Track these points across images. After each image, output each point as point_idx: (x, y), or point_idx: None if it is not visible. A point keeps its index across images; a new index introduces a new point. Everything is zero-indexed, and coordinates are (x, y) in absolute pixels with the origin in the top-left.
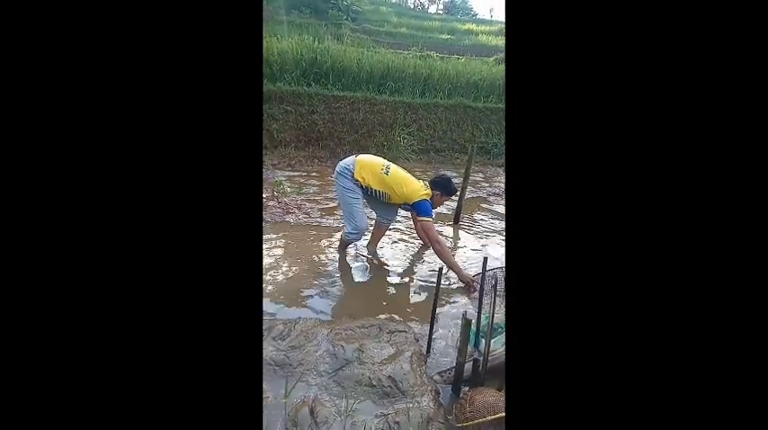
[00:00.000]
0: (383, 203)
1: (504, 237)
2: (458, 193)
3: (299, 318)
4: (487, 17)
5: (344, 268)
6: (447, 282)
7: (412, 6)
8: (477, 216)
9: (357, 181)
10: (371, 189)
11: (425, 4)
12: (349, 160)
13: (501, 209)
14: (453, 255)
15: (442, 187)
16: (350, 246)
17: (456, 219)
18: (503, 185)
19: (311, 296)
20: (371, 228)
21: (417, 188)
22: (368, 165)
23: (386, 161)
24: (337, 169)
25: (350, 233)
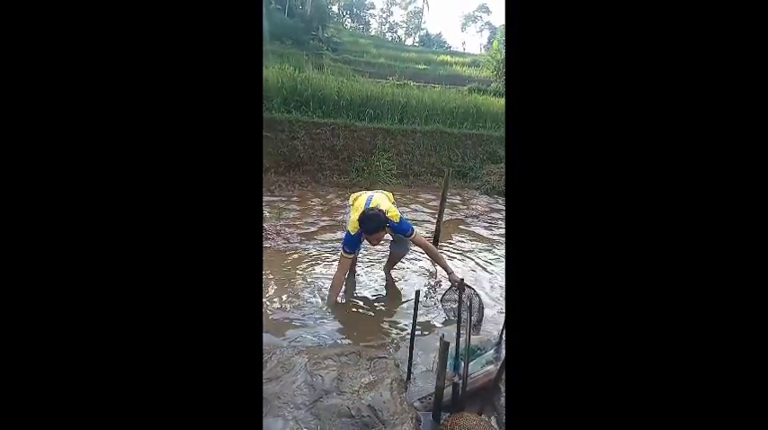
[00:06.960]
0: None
1: (480, 258)
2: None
3: (277, 347)
4: (460, 49)
5: (350, 285)
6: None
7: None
8: (455, 237)
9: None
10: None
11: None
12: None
13: (479, 230)
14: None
15: (360, 224)
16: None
17: (435, 241)
18: (479, 207)
19: (290, 324)
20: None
21: (353, 219)
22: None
23: (368, 193)
24: None
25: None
